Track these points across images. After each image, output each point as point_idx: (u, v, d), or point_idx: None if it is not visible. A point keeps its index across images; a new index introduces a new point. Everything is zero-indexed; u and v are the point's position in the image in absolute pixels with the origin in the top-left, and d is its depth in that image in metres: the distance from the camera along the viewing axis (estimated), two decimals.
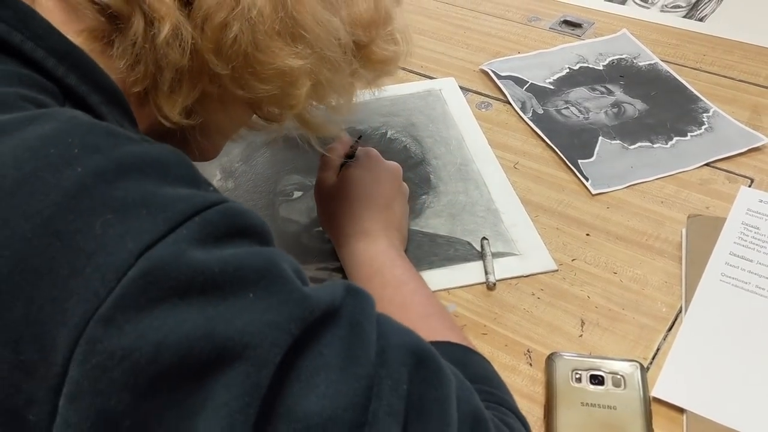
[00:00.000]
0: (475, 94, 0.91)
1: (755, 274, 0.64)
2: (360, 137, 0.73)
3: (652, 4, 1.06)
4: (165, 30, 0.42)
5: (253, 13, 0.44)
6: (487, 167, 0.79)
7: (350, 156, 0.69)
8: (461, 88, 0.91)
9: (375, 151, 0.70)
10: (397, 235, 0.65)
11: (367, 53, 0.54)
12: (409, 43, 0.57)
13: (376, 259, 0.61)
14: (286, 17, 0.46)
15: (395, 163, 0.70)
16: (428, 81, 0.93)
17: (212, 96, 0.47)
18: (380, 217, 0.64)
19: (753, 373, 0.57)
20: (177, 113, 0.46)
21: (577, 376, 0.58)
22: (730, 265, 0.65)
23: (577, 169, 0.78)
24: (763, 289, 0.63)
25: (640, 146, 0.80)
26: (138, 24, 0.42)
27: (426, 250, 0.69)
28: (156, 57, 0.43)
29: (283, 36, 0.46)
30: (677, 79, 0.90)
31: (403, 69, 0.96)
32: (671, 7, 1.05)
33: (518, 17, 1.05)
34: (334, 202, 0.66)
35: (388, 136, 0.84)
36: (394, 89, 0.91)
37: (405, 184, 0.70)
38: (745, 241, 0.67)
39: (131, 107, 0.44)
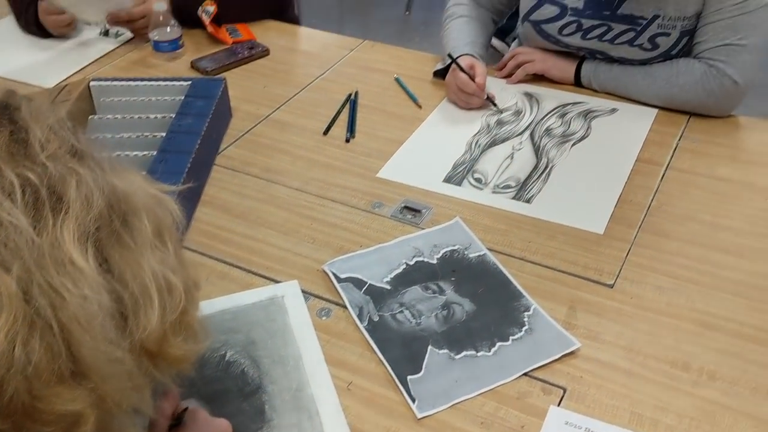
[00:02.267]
0: (316, 299, 0.94)
1: None
2: (185, 409, 0.72)
3: (485, 184, 1.13)
4: None
5: (28, 370, 0.46)
6: (322, 391, 0.82)
7: (178, 419, 0.70)
8: (304, 292, 0.95)
9: (203, 413, 0.71)
10: None
11: (162, 357, 0.56)
12: (208, 338, 0.60)
13: None
14: (67, 361, 0.48)
15: (223, 421, 0.72)
16: (272, 286, 0.96)
17: None
18: None
19: None
20: None
21: None
22: None
23: (405, 389, 0.82)
24: None
25: (465, 355, 0.86)
26: None
27: None
28: None
29: (65, 380, 0.48)
30: (503, 273, 0.97)
31: (249, 272, 0.99)
32: (502, 188, 1.13)
33: (363, 204, 1.11)
34: None
35: (227, 358, 0.86)
36: (238, 298, 0.94)
37: None
38: None
39: None
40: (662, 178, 1.13)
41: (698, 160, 1.16)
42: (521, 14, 1.39)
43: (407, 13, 3.49)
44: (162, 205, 0.58)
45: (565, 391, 0.81)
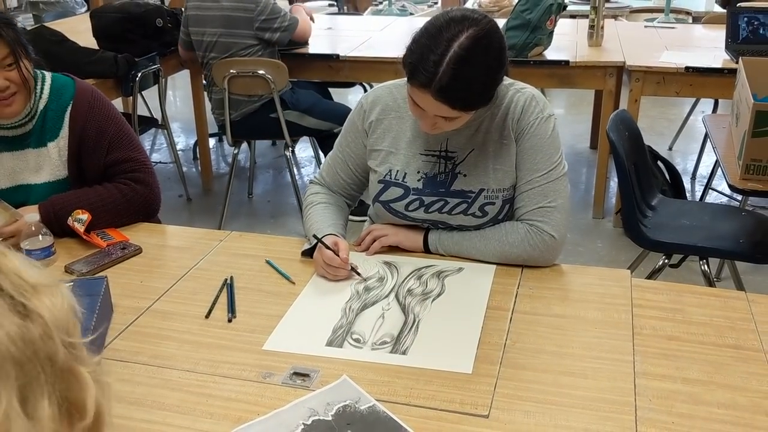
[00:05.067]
0: None
1: None
2: None
3: (364, 343, 1.26)
4: None
5: None
6: None
7: None
8: None
9: None
10: None
11: None
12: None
13: None
14: None
15: None
16: None
17: None
18: None
19: None
20: None
21: None
22: None
23: None
24: None
25: None
26: None
27: None
28: None
29: None
30: (393, 419, 1.07)
31: None
32: (380, 344, 1.26)
33: (254, 375, 1.18)
34: None
35: None
36: None
37: None
38: None
39: None
40: (510, 320, 1.32)
41: (536, 303, 1.37)
42: (372, 197, 1.61)
43: (250, 196, 3.79)
44: (37, 338, 0.53)
45: None
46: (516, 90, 1.50)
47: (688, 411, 1.07)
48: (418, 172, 1.54)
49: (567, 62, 3.18)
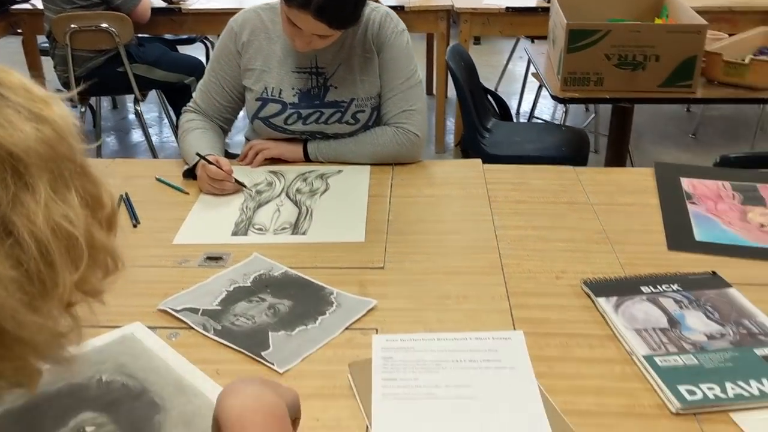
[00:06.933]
0: (161, 329, 1.11)
1: (402, 386, 0.96)
2: None
3: (266, 230, 1.42)
4: None
5: None
6: (196, 379, 0.99)
7: None
8: (149, 327, 1.11)
9: None
10: None
11: (87, 296, 0.66)
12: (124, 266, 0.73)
13: None
14: None
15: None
16: (118, 329, 1.11)
17: None
18: None
19: None
20: None
21: None
22: (385, 386, 0.96)
23: (263, 359, 1.04)
24: (408, 392, 0.95)
25: (299, 330, 1.11)
26: None
27: None
28: None
29: None
30: (306, 278, 1.24)
31: (91, 326, 1.11)
32: (280, 230, 1.42)
33: (170, 263, 1.30)
34: None
35: (104, 380, 0.99)
36: (90, 343, 1.06)
37: None
38: (387, 368, 1.00)
39: None
40: (390, 203, 1.53)
41: (409, 189, 1.59)
42: (249, 115, 1.74)
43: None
44: (54, 139, 0.61)
45: (377, 330, 1.11)
46: (372, 8, 1.69)
47: (538, 247, 1.34)
48: (293, 89, 1.69)
49: (402, 7, 3.44)
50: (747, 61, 2.28)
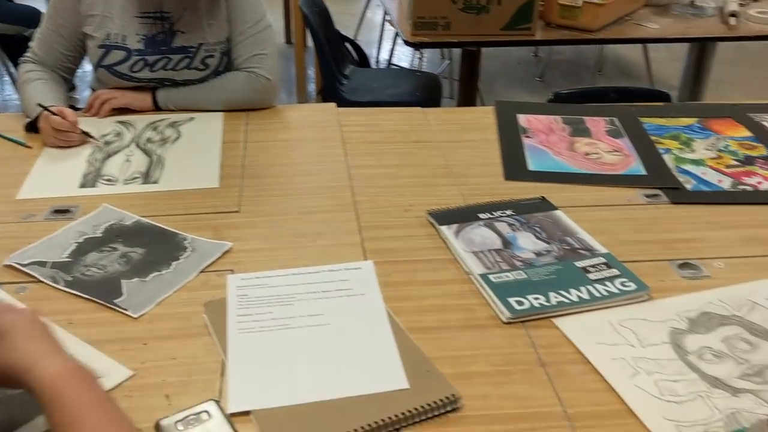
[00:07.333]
0: (9, 285, 1.08)
1: (257, 320, 1.01)
2: None
3: (116, 181, 1.39)
4: None
5: None
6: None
7: None
8: None
9: None
10: None
11: None
12: None
13: None
14: None
15: None
16: None
17: None
18: None
19: (279, 373, 0.92)
20: None
21: (180, 427, 0.84)
22: (240, 322, 1.00)
23: (116, 306, 1.04)
24: (263, 325, 1.00)
25: (153, 276, 1.11)
26: None
27: None
28: None
29: None
30: (158, 226, 1.24)
31: None
32: (131, 180, 1.40)
33: (14, 219, 1.26)
34: None
35: None
36: None
37: None
38: (242, 304, 1.03)
39: None
40: (245, 148, 1.54)
41: (264, 134, 1.61)
42: (93, 63, 1.67)
43: None
44: None
45: (232, 271, 1.13)
46: None
47: (389, 183, 1.41)
48: (137, 35, 1.64)
49: None
50: (580, 3, 2.44)
